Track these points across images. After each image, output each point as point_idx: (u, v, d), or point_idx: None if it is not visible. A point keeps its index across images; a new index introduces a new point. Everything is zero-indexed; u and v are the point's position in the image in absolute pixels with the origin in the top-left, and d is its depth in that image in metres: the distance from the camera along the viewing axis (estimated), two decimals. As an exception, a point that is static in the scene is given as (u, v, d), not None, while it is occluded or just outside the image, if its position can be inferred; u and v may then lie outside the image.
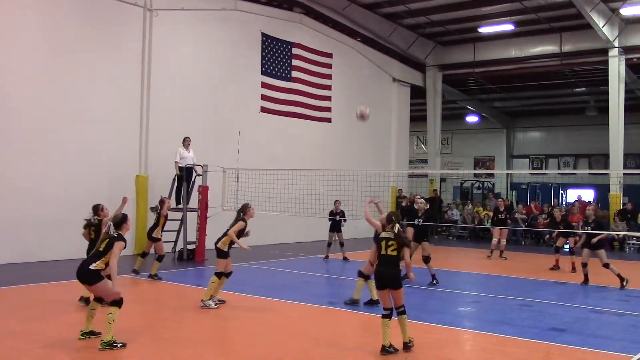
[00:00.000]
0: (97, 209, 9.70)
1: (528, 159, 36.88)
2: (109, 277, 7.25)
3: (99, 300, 7.58)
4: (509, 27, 23.98)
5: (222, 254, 9.79)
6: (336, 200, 16.28)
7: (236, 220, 9.86)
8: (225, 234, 9.82)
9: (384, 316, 7.30)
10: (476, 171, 36.85)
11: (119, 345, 7.09)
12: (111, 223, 7.50)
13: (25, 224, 13.92)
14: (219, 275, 9.72)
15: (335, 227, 16.45)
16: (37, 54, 14.30)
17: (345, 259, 16.18)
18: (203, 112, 18.02)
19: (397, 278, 7.33)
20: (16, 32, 13.93)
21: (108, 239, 7.36)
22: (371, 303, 9.95)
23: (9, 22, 13.80)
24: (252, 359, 7.13)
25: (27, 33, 14.13)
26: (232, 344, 7.96)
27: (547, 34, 24.82)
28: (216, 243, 9.86)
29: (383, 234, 7.56)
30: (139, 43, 16.43)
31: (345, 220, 16.44)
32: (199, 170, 15.92)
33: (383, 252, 7.41)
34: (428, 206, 13.53)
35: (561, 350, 7.76)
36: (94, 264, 7.24)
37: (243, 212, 9.90)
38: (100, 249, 7.35)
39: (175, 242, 15.95)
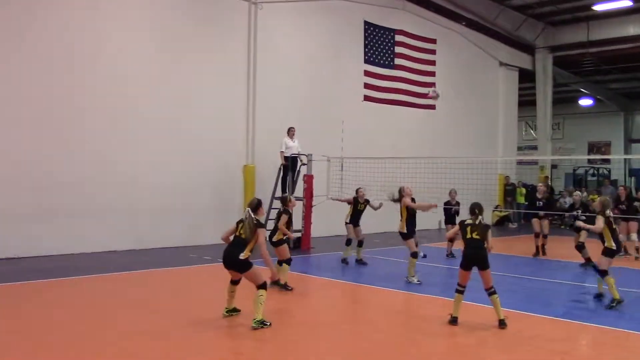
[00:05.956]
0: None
1: (649, 144, 34.69)
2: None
3: (235, 282, 8.04)
4: (626, 3, 22.47)
5: (279, 244, 10.42)
6: (451, 190, 15.11)
7: (280, 214, 10.57)
8: (276, 229, 10.50)
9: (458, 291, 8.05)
10: (590, 157, 35.07)
11: (267, 324, 7.54)
12: (249, 209, 7.83)
13: (139, 212, 14.67)
14: (281, 262, 10.38)
15: (452, 219, 14.88)
16: (148, 51, 14.99)
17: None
18: (307, 102, 18.28)
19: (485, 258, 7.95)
20: (130, 32, 14.69)
21: (250, 226, 7.69)
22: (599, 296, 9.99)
23: (122, 23, 14.54)
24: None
25: (139, 32, 14.88)
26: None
27: (671, 8, 23.09)
28: (271, 237, 10.35)
29: (468, 221, 8.18)
30: (245, 36, 16.88)
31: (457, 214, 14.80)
32: (304, 159, 16.17)
33: (469, 236, 8.04)
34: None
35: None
36: (242, 254, 7.62)
37: (284, 204, 10.67)
38: (243, 236, 7.71)
39: (282, 230, 16.29)
